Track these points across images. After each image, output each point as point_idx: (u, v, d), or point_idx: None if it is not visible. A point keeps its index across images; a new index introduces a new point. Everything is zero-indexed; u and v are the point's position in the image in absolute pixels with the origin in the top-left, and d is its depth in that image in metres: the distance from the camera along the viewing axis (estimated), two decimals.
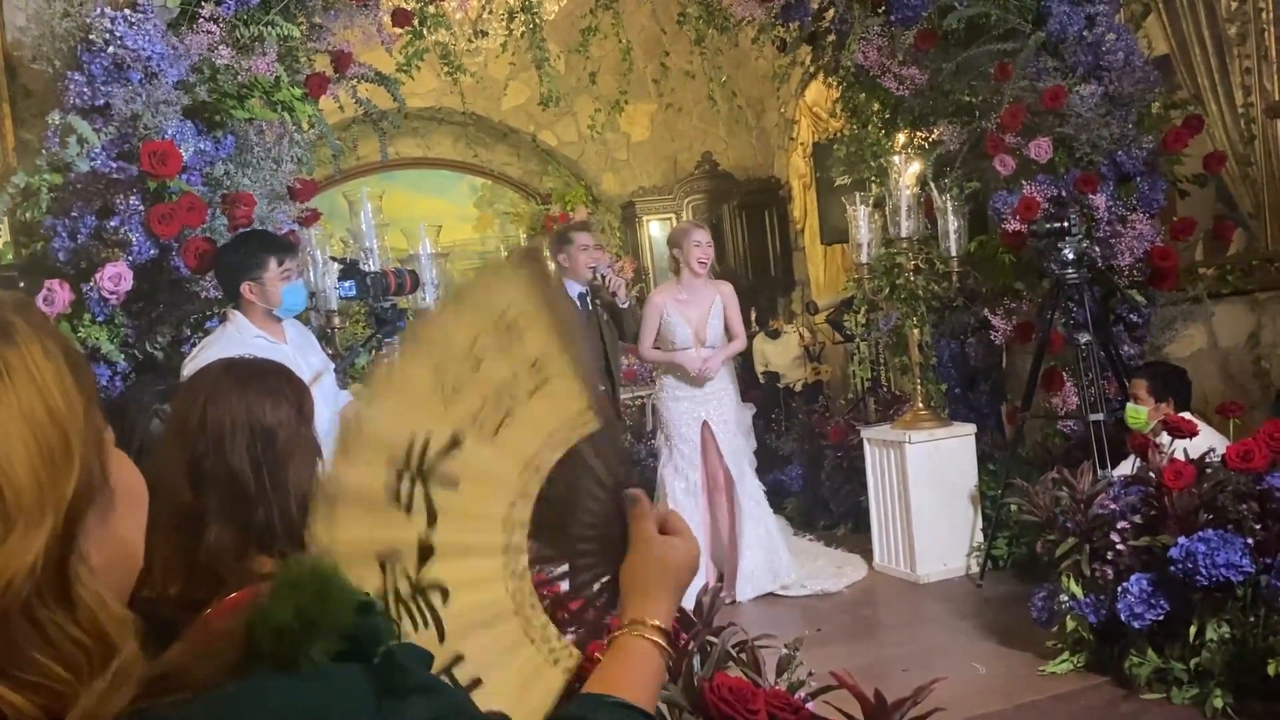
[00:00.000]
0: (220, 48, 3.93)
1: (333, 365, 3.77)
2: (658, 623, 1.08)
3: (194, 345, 3.99)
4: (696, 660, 1.98)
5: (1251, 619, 3.34)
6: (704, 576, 5.10)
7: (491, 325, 0.96)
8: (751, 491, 5.23)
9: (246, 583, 1.58)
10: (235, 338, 3.40)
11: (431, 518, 0.91)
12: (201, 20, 3.88)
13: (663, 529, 1.12)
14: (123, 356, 3.74)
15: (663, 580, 1.10)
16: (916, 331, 5.40)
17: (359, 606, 0.87)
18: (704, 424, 5.18)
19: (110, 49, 3.65)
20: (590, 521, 1.07)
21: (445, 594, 0.92)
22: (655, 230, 9.89)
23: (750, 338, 8.80)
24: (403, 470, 0.90)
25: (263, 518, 1.64)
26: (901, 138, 5.77)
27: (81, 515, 0.72)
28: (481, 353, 0.95)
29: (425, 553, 0.91)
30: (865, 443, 5.52)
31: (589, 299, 5.20)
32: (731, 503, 5.21)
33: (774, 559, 5.17)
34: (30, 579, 0.67)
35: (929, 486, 5.19)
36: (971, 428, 5.35)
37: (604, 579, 1.09)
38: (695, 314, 5.17)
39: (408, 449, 0.90)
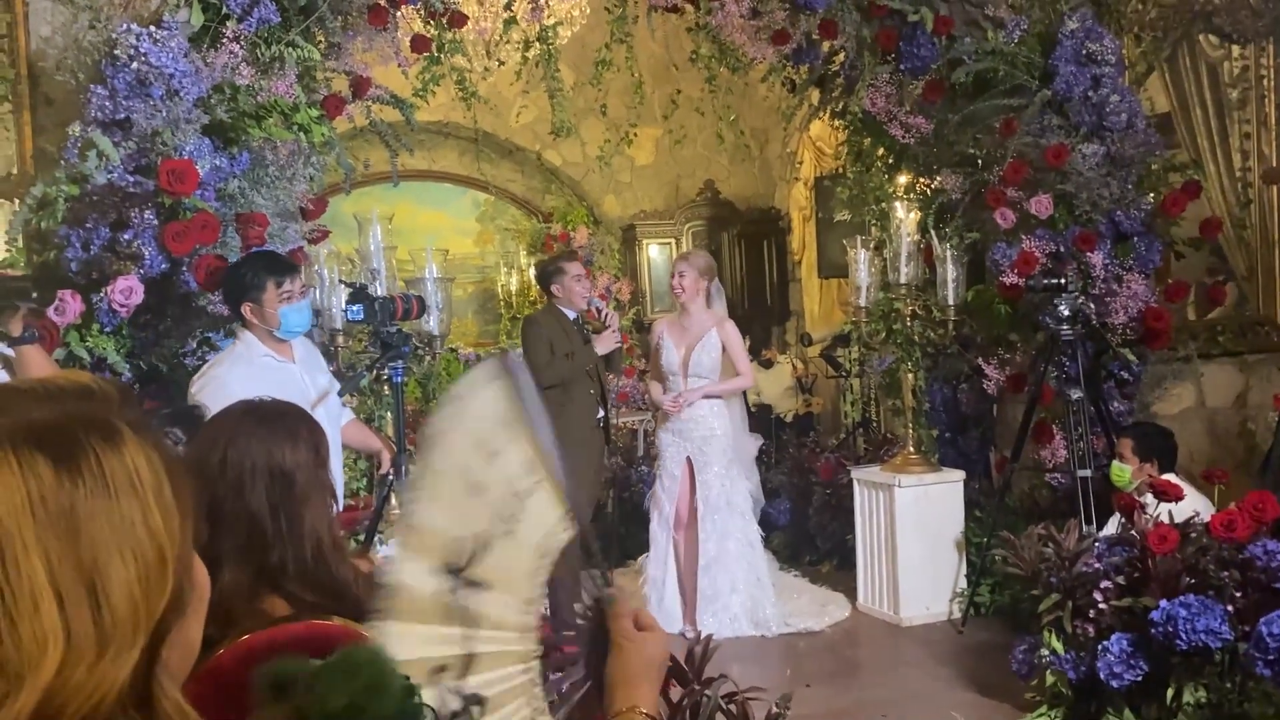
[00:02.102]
0: (242, 67, 3.99)
1: (338, 385, 3.80)
2: (646, 710, 1.15)
3: (196, 358, 4.04)
4: (688, 715, 2.03)
5: (1228, 685, 3.39)
6: (672, 616, 5.17)
7: (493, 423, 1.04)
8: (744, 533, 5.24)
9: (258, 623, 1.62)
10: (244, 356, 3.41)
11: (470, 623, 0.98)
12: (225, 39, 3.93)
13: (636, 625, 1.20)
14: (128, 368, 3.78)
15: (646, 673, 1.18)
16: (911, 376, 5.46)
17: (404, 692, 0.92)
18: (688, 459, 5.24)
19: (134, 64, 3.70)
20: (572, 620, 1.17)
21: (482, 705, 0.99)
22: (654, 253, 9.97)
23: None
24: (454, 574, 0.97)
25: (277, 559, 1.68)
26: (904, 179, 5.86)
27: (169, 631, 0.75)
28: (491, 447, 1.03)
29: (467, 664, 0.98)
30: (855, 483, 5.58)
31: (582, 324, 5.28)
32: (692, 541, 5.22)
33: (759, 609, 5.19)
34: (119, 697, 0.71)
35: (916, 530, 5.25)
36: (960, 474, 5.41)
37: (578, 680, 1.16)
38: (685, 343, 5.27)
39: (458, 554, 0.97)
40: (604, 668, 1.17)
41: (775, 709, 2.21)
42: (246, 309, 3.41)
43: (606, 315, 5.12)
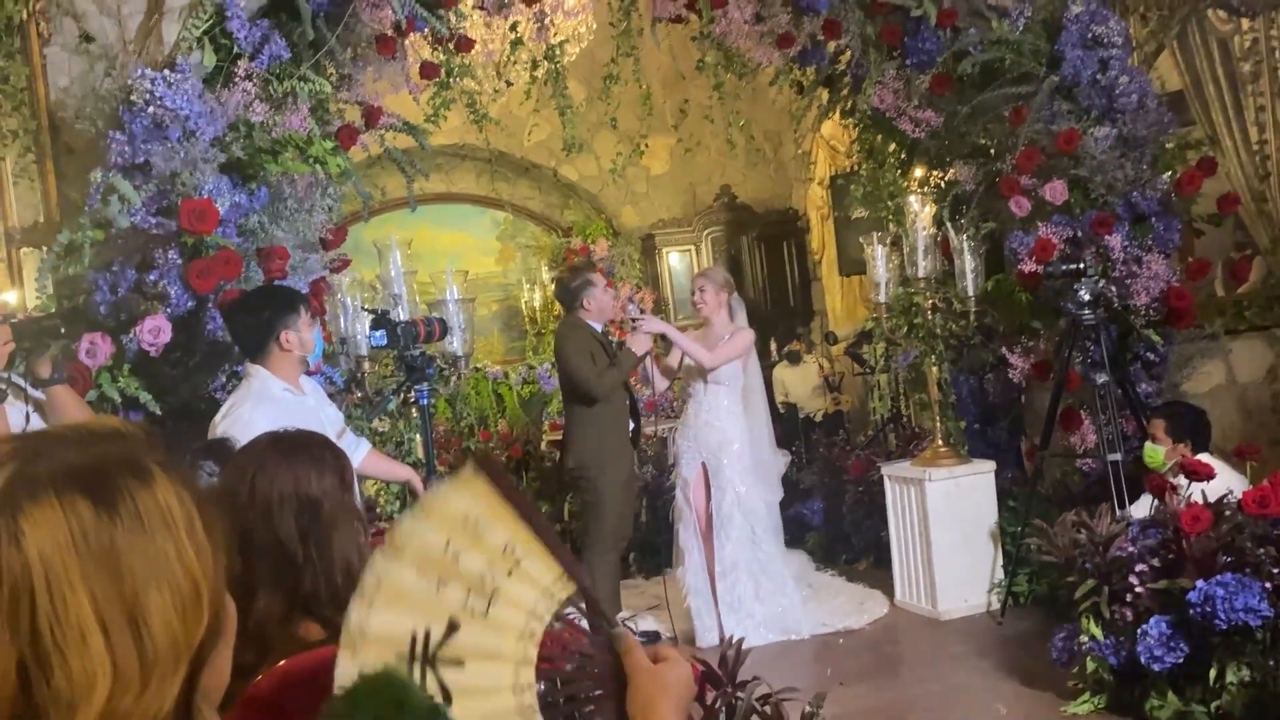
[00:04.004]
0: (255, 104, 4.06)
1: (342, 416, 3.83)
2: None
3: (226, 393, 4.09)
4: (722, 717, 2.05)
5: (1271, 662, 3.37)
6: (714, 624, 5.17)
7: (460, 527, 1.05)
8: (765, 540, 5.20)
9: (294, 649, 1.66)
10: (264, 393, 3.31)
11: (446, 697, 0.99)
12: (238, 78, 4.01)
13: (654, 658, 1.20)
14: (160, 406, 3.84)
15: (665, 700, 1.18)
16: (935, 369, 5.46)
17: (429, 711, 0.95)
18: (703, 465, 5.24)
19: (150, 109, 3.78)
20: (586, 668, 1.17)
21: None
22: (675, 261, 10.02)
23: (770, 367, 8.89)
24: (411, 662, 0.99)
25: (309, 585, 1.71)
26: (919, 172, 5.86)
27: (207, 659, 0.79)
28: (456, 549, 1.05)
29: None
30: (886, 479, 5.57)
31: (607, 337, 5.32)
32: (711, 547, 5.19)
33: (787, 615, 5.17)
34: None
35: (949, 523, 5.24)
36: (991, 465, 5.39)
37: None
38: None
39: (410, 643, 0.99)
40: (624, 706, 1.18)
41: (808, 708, 2.23)
42: (286, 338, 3.33)
43: (639, 306, 5.17)
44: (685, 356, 5.28)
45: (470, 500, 1.07)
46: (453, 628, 1.02)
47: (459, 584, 1.04)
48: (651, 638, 5.26)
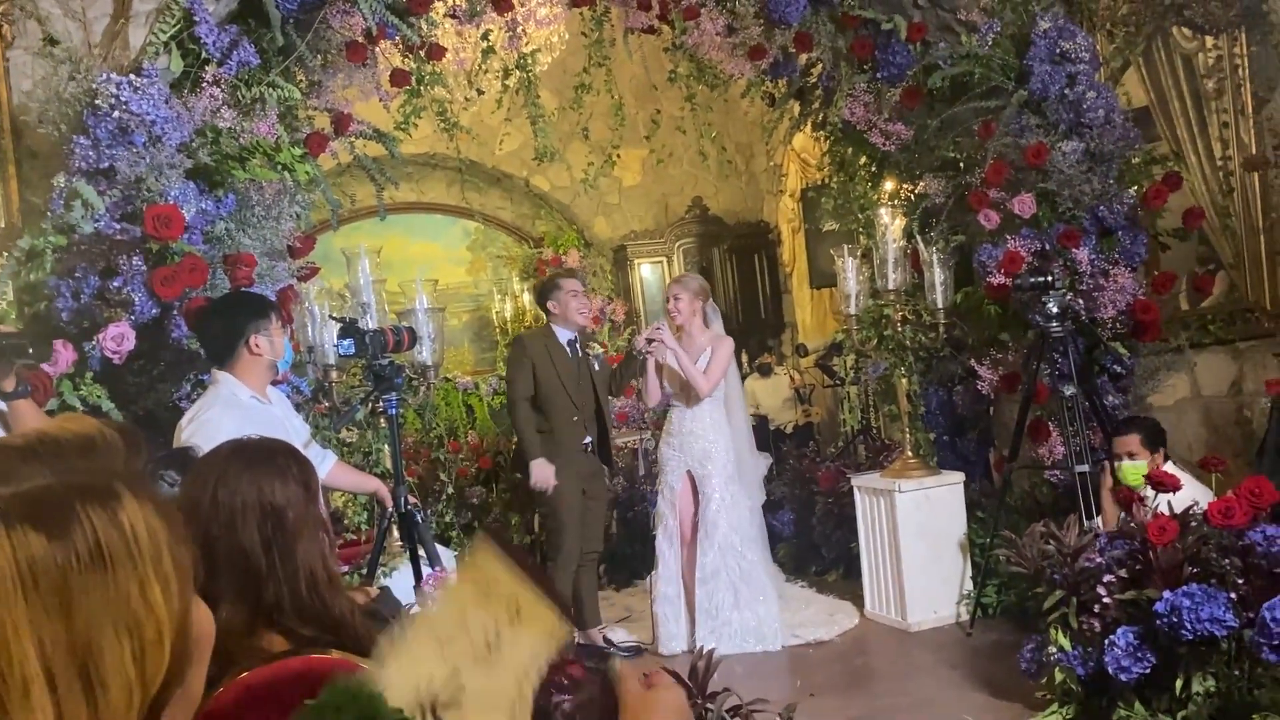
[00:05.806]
0: (223, 109, 4.02)
1: (309, 429, 3.80)
2: None
3: (190, 401, 4.03)
4: None
5: (1236, 673, 3.39)
6: (683, 633, 5.15)
7: (468, 595, 1.17)
8: (746, 548, 5.20)
9: (256, 661, 1.63)
10: (232, 399, 3.29)
11: None
12: (205, 83, 3.96)
13: (648, 684, 1.21)
14: (122, 415, 3.78)
15: None
16: (905, 381, 5.48)
17: None
18: (688, 473, 5.24)
19: (115, 113, 3.73)
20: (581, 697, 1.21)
21: None
22: (646, 273, 10.02)
23: (741, 379, 8.90)
24: (415, 710, 1.05)
25: (273, 595, 1.68)
26: (889, 185, 5.89)
27: (166, 703, 0.74)
28: (463, 609, 1.16)
29: None
30: (855, 490, 5.58)
31: (578, 345, 5.28)
32: (693, 555, 5.18)
33: (763, 625, 5.15)
34: None
35: (919, 535, 5.25)
36: (960, 476, 5.42)
37: None
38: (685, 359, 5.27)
39: (416, 689, 1.06)
40: None
41: (780, 717, 2.21)
42: (256, 342, 3.32)
43: (661, 325, 5.21)
44: (664, 375, 5.28)
45: (479, 568, 1.18)
46: (455, 673, 1.08)
47: (465, 637, 1.12)
48: (633, 652, 5.23)
